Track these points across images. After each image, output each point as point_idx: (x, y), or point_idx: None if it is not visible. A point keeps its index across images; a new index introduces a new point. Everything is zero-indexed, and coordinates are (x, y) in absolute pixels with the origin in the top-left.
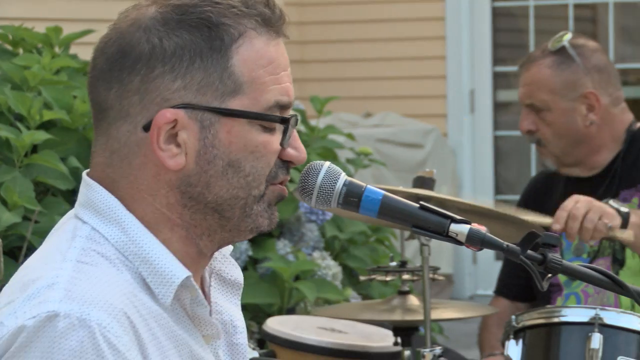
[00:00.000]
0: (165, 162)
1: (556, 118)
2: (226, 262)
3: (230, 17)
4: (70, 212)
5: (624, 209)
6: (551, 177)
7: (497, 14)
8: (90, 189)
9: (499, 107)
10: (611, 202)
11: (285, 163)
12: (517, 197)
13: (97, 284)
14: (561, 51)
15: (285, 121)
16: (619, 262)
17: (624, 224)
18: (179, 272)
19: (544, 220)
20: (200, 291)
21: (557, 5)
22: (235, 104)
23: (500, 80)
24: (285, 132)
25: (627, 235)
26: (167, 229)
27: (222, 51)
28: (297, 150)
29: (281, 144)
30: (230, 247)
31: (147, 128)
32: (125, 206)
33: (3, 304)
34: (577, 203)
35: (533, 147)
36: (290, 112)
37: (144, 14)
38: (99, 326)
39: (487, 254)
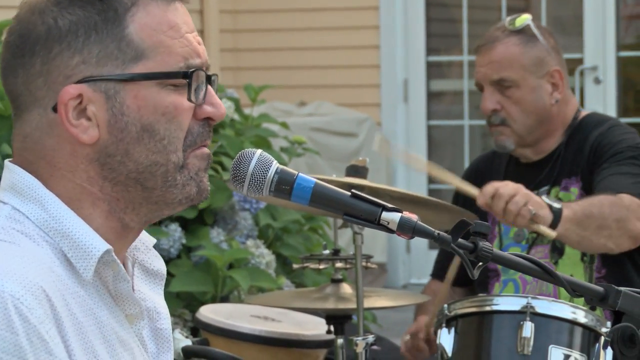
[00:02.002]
0: (79, 137)
1: (524, 95)
2: (149, 254)
3: None
4: None
5: (556, 205)
6: (492, 160)
7: (431, 4)
8: (10, 172)
9: (432, 97)
10: (544, 197)
11: (204, 125)
12: (449, 187)
13: (15, 259)
14: (525, 30)
15: (187, 76)
16: (558, 250)
17: (557, 219)
18: (99, 245)
19: (471, 189)
20: (122, 266)
21: None
22: (139, 69)
23: (433, 70)
24: (189, 87)
25: (549, 231)
26: (89, 204)
27: (116, 21)
28: (214, 106)
29: (189, 99)
30: (153, 240)
31: (55, 108)
32: (44, 186)
33: None
34: (507, 185)
35: (466, 136)
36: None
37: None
38: (11, 297)
39: (421, 243)
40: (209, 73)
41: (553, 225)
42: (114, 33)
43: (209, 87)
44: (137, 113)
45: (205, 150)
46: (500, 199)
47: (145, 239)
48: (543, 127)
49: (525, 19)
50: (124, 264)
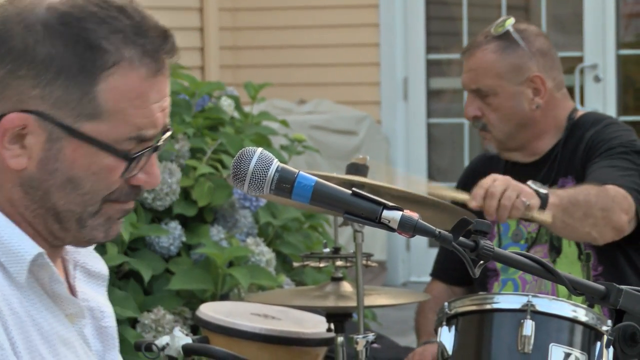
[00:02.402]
0: (6, 160)
1: (502, 102)
2: (90, 256)
3: (111, 42)
4: None
5: (543, 191)
6: (491, 161)
7: (431, 2)
8: None
9: (432, 95)
10: (530, 183)
11: (134, 188)
12: (449, 184)
13: None
14: (505, 36)
15: (129, 159)
16: (556, 249)
17: (543, 205)
18: (30, 249)
19: (462, 196)
20: (54, 269)
21: None
22: (89, 128)
23: (433, 68)
24: (127, 168)
25: (545, 216)
26: (16, 220)
27: (90, 75)
28: (148, 175)
29: (122, 176)
30: None
31: None
32: None
33: None
34: (495, 181)
35: (466, 134)
36: (158, 138)
37: (33, 9)
38: None
39: (421, 241)
40: (160, 141)
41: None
42: (82, 85)
43: (153, 156)
44: (70, 164)
45: (127, 206)
46: (493, 198)
47: None
48: (526, 131)
49: (507, 24)
50: (64, 266)
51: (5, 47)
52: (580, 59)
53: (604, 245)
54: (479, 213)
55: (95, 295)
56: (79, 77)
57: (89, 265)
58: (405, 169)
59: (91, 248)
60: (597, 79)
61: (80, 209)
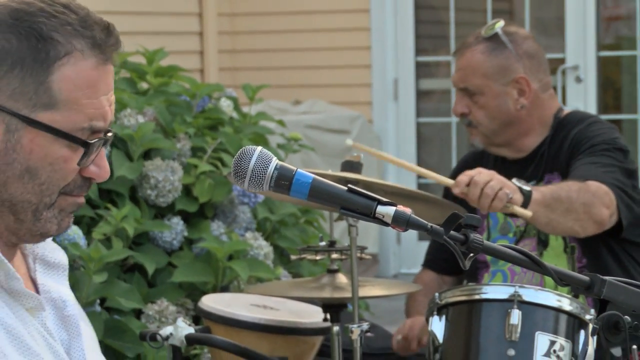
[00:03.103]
0: None
1: (488, 101)
2: (48, 247)
3: (61, 34)
4: None
5: (526, 188)
6: (481, 157)
7: (420, 7)
8: None
9: (421, 95)
10: (514, 180)
11: (86, 180)
12: None
13: None
14: (494, 38)
15: (87, 145)
16: (543, 243)
17: (526, 202)
18: None
19: (447, 180)
20: (10, 265)
21: None
22: (45, 117)
23: (422, 70)
24: (84, 154)
25: (526, 211)
26: None
27: (44, 65)
28: (99, 168)
29: (78, 164)
30: None
31: None
32: None
33: None
34: (480, 173)
35: (454, 132)
36: (107, 132)
37: None
38: None
39: (411, 234)
40: (108, 134)
41: (523, 207)
42: (37, 75)
43: (102, 149)
44: (28, 155)
45: (79, 200)
46: (476, 186)
47: None
48: (511, 129)
49: (496, 26)
50: (25, 261)
51: None
52: (562, 61)
53: (588, 238)
54: (470, 209)
55: (56, 285)
56: (33, 67)
57: (48, 256)
58: (396, 166)
59: (49, 239)
60: (578, 80)
61: (36, 200)
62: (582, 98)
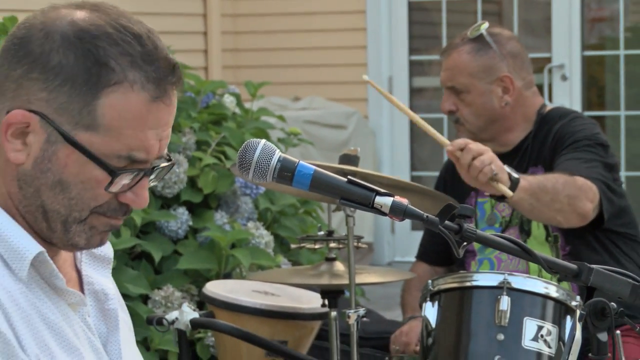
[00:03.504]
0: (7, 153)
1: (474, 99)
2: None
3: (118, 63)
4: None
5: (515, 175)
6: None
7: (413, 8)
8: None
9: (414, 93)
10: (506, 167)
11: (122, 205)
12: (430, 173)
13: None
14: (479, 39)
15: (113, 173)
16: (526, 231)
17: (513, 187)
18: (32, 248)
19: (442, 139)
20: (54, 265)
21: (467, 1)
22: (84, 137)
23: (415, 68)
24: (110, 182)
25: (507, 191)
26: (14, 214)
27: (93, 88)
28: (137, 196)
29: (105, 189)
30: None
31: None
32: None
33: None
34: (477, 143)
35: (445, 128)
36: (153, 164)
37: (56, 21)
38: None
39: (404, 224)
40: (154, 167)
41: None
42: (85, 96)
43: (145, 179)
44: (62, 168)
45: (113, 222)
46: (469, 152)
47: None
48: (496, 125)
49: (481, 28)
50: (73, 255)
51: (24, 50)
52: (548, 60)
53: (571, 228)
54: (460, 200)
55: (99, 277)
56: (83, 88)
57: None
58: (390, 159)
59: None
60: (564, 78)
61: (65, 212)
62: (568, 95)
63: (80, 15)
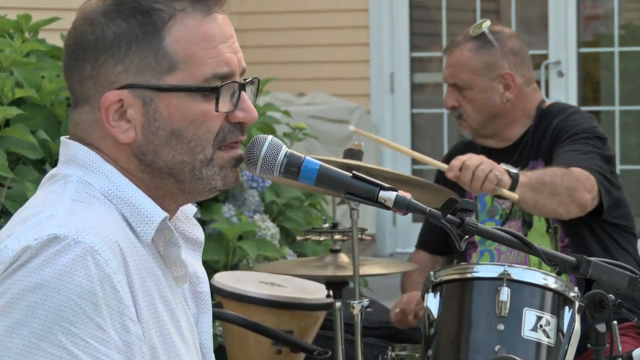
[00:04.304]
0: (118, 137)
1: (476, 95)
2: (189, 223)
3: (161, 2)
4: (51, 172)
5: (513, 171)
6: (469, 146)
7: (414, 6)
8: (70, 147)
9: (415, 88)
10: (502, 165)
11: (236, 125)
12: (430, 167)
13: (92, 216)
14: (481, 36)
15: (216, 90)
16: (527, 224)
17: (514, 184)
18: (158, 212)
19: (441, 165)
20: (175, 232)
21: None
22: (171, 79)
23: (416, 64)
24: (217, 100)
25: (512, 195)
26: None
27: (154, 34)
28: (245, 111)
29: (216, 110)
30: (193, 209)
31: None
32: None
33: (4, 237)
34: (471, 157)
35: (445, 123)
36: (240, 78)
37: (90, 8)
38: (91, 248)
39: (406, 216)
40: (244, 79)
41: (511, 190)
42: (152, 45)
43: (243, 93)
44: (168, 119)
45: (235, 152)
46: (468, 169)
47: (186, 209)
48: (497, 121)
49: (483, 26)
50: None
51: (82, 48)
52: (545, 56)
53: (570, 219)
54: (460, 193)
55: (192, 261)
56: (146, 39)
57: (187, 231)
58: (392, 153)
59: (191, 215)
60: (560, 74)
61: (189, 159)
62: (564, 91)
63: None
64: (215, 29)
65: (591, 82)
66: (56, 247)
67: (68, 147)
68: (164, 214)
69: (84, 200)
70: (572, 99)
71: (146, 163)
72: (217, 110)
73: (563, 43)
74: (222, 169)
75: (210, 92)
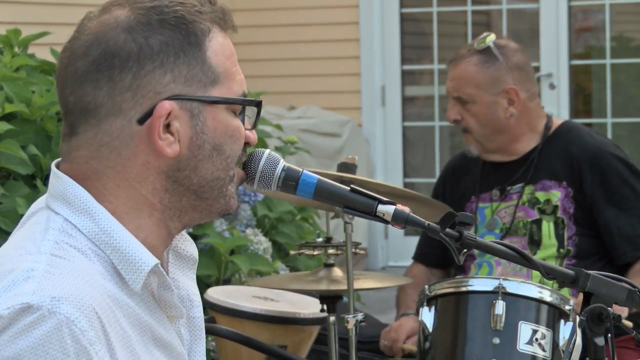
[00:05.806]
0: (164, 150)
1: (480, 110)
2: (182, 239)
3: (193, 15)
4: (40, 200)
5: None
6: (466, 159)
7: (405, 19)
8: (60, 182)
9: (406, 101)
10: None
11: (245, 144)
12: (422, 180)
13: (70, 278)
14: (486, 50)
15: (259, 105)
16: (536, 242)
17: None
18: (148, 259)
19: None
20: (168, 277)
21: (457, 12)
22: (215, 92)
23: (407, 78)
24: (257, 114)
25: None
26: (146, 214)
27: (198, 45)
28: (252, 133)
29: (253, 127)
30: None
31: (141, 121)
32: (106, 194)
33: None
34: None
35: (437, 136)
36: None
37: (118, 17)
38: (67, 319)
39: (398, 230)
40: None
41: None
42: (197, 56)
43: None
44: (213, 133)
45: (240, 171)
46: None
47: None
48: (502, 136)
49: (488, 40)
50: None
51: (120, 57)
52: (537, 69)
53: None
54: (456, 208)
55: (185, 280)
56: (192, 50)
57: (180, 247)
58: (383, 167)
59: (184, 230)
60: (552, 86)
61: (224, 175)
62: (556, 103)
63: (122, 9)
64: (232, 48)
65: (583, 95)
66: (30, 317)
67: (58, 180)
68: (153, 261)
69: (64, 256)
70: (564, 111)
71: (176, 180)
72: (253, 127)
73: (555, 55)
74: (236, 188)
75: (255, 105)
